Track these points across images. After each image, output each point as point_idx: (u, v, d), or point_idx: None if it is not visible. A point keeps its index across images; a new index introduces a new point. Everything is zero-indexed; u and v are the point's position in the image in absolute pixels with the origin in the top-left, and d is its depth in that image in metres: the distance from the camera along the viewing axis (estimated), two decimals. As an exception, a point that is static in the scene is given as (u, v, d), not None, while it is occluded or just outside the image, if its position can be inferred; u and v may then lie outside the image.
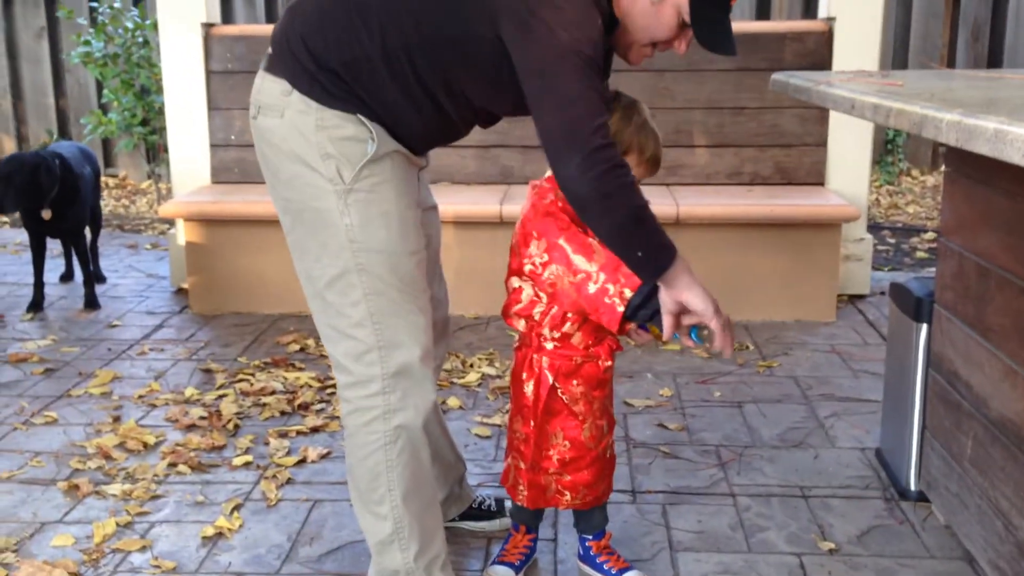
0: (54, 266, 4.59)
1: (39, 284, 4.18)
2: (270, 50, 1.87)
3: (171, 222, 4.89)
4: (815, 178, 4.30)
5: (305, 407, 3.12)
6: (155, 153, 6.18)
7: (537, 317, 1.97)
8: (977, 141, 1.34)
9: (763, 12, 6.93)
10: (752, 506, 2.48)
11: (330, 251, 1.82)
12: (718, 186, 4.30)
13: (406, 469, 1.89)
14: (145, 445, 2.85)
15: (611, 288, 1.82)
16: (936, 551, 2.26)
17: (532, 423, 2.02)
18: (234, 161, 4.41)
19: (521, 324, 2.01)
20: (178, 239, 4.34)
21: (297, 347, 3.67)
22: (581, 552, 2.20)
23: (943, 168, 2.50)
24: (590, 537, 2.18)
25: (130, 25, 5.72)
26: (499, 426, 2.98)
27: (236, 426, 2.98)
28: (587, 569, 2.18)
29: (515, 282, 2.00)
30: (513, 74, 1.74)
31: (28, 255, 4.23)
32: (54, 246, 4.58)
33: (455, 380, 3.33)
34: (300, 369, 3.45)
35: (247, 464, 2.74)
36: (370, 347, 1.84)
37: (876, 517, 2.42)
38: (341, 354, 1.87)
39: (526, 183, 4.31)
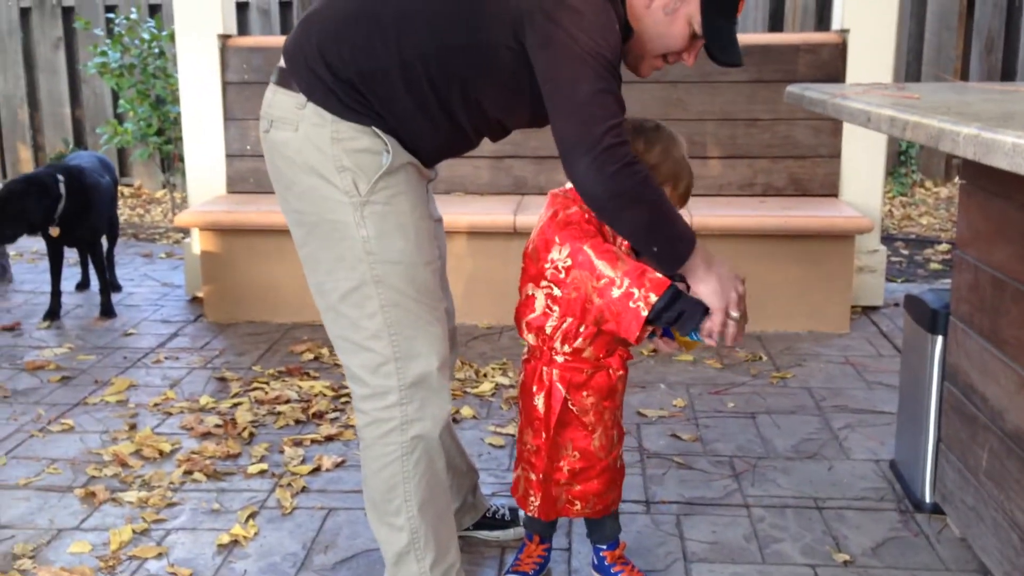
0: (70, 275, 4.62)
1: (56, 292, 4.21)
2: (282, 64, 1.87)
3: (186, 231, 4.92)
4: (828, 189, 4.30)
5: (319, 416, 3.13)
6: (170, 163, 6.22)
7: (549, 331, 1.96)
8: (995, 155, 1.35)
9: (776, 24, 6.95)
10: (766, 517, 2.47)
11: (346, 263, 1.82)
12: (731, 197, 4.31)
13: (422, 479, 1.90)
14: (161, 453, 2.87)
15: (636, 292, 1.81)
16: (951, 564, 2.25)
17: (544, 435, 2.02)
18: (249, 171, 4.43)
19: (531, 337, 2.00)
20: (193, 248, 4.37)
21: (311, 356, 3.69)
22: (596, 562, 2.20)
23: (957, 180, 2.50)
24: (604, 547, 2.18)
25: (146, 36, 5.76)
26: (513, 435, 2.98)
27: (251, 434, 2.99)
28: None
29: (530, 289, 1.99)
30: (531, 82, 1.75)
31: (45, 263, 4.26)
32: (71, 254, 4.62)
33: (468, 390, 3.34)
34: (314, 378, 3.46)
35: (262, 472, 2.75)
36: (387, 359, 1.84)
37: (891, 529, 2.41)
38: (357, 366, 1.87)
39: (540, 193, 4.37)
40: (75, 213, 4.04)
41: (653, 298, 1.80)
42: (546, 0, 1.70)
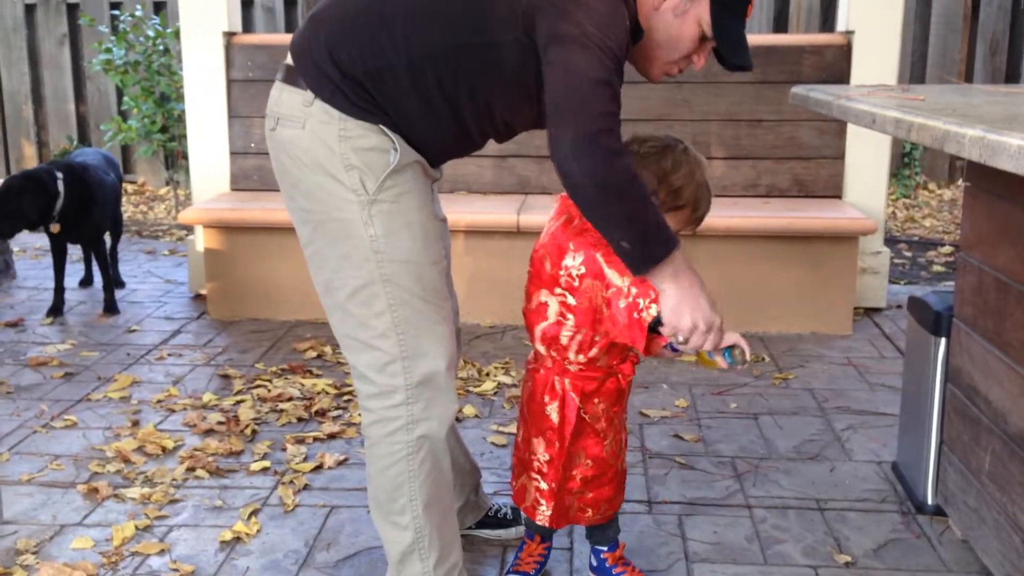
0: (74, 271, 4.62)
1: (59, 289, 4.21)
2: (289, 61, 1.86)
3: (190, 228, 4.93)
4: (832, 191, 4.30)
5: (322, 413, 3.14)
6: (174, 160, 6.23)
7: (564, 341, 1.92)
8: (1000, 157, 1.35)
9: (781, 25, 6.94)
10: (768, 518, 2.48)
11: (353, 262, 1.82)
12: (735, 198, 4.31)
13: (428, 478, 1.90)
14: (164, 449, 2.87)
15: (641, 303, 1.77)
16: (953, 565, 2.25)
17: (557, 445, 1.98)
18: (253, 169, 4.44)
19: (543, 348, 1.97)
20: (197, 245, 4.37)
21: (314, 354, 3.69)
22: (595, 564, 2.20)
23: (961, 182, 2.50)
24: (605, 549, 2.18)
25: (151, 33, 5.77)
26: (515, 435, 2.98)
27: (254, 432, 3.00)
28: None
29: (543, 296, 1.94)
30: (539, 77, 1.73)
31: (48, 260, 4.27)
32: (75, 251, 4.62)
33: (471, 389, 3.34)
34: (317, 376, 3.46)
35: (264, 469, 2.75)
36: (394, 358, 1.84)
37: (893, 531, 2.41)
38: (364, 365, 1.87)
39: (543, 193, 4.38)
40: (76, 210, 4.05)
41: (655, 309, 1.76)
42: None
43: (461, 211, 4.08)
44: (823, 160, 4.31)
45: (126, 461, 2.80)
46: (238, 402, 3.23)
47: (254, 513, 2.51)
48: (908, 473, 2.60)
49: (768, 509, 2.52)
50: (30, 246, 5.40)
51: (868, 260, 4.20)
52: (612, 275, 1.82)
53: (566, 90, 1.66)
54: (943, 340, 2.43)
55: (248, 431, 2.99)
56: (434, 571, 1.95)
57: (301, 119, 1.80)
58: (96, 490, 2.62)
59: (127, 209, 6.59)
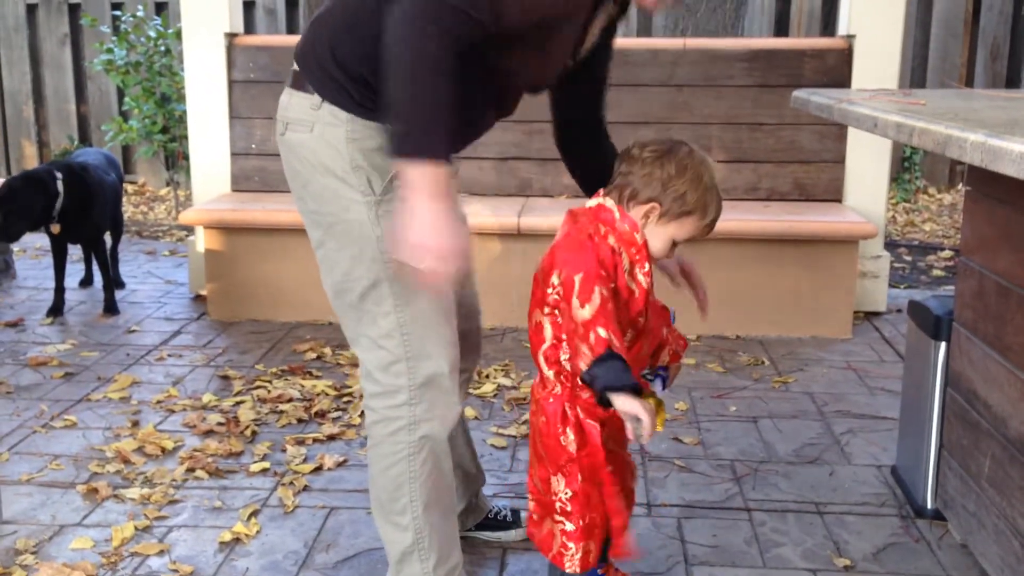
0: (74, 271, 4.62)
1: (59, 289, 4.22)
2: (295, 67, 1.86)
3: (190, 229, 4.93)
4: (833, 195, 4.30)
5: (322, 415, 3.14)
6: (174, 160, 6.23)
7: (568, 366, 1.82)
8: (1002, 162, 1.35)
9: (782, 29, 6.95)
10: (767, 521, 2.48)
11: (363, 262, 1.81)
12: (735, 201, 4.30)
13: (429, 479, 1.90)
14: (163, 450, 2.87)
15: (583, 347, 1.67)
16: (952, 570, 2.25)
17: (580, 477, 1.83)
18: (254, 170, 4.44)
19: (551, 373, 1.84)
20: (197, 246, 4.37)
21: (314, 355, 3.69)
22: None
23: (961, 186, 2.51)
24: (604, 562, 2.11)
25: (152, 34, 5.78)
26: (515, 437, 2.99)
27: (253, 433, 3.00)
28: None
29: (537, 315, 1.85)
30: (536, 37, 1.72)
31: (48, 259, 4.28)
32: (75, 251, 4.62)
33: (470, 391, 3.33)
34: (317, 377, 3.46)
35: (264, 471, 2.75)
36: (398, 358, 1.84)
37: (892, 534, 2.41)
38: (371, 363, 1.87)
39: (544, 195, 4.38)
40: (76, 210, 4.05)
41: (583, 365, 1.66)
42: None
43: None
44: (823, 164, 4.31)
45: (126, 461, 2.80)
46: (238, 403, 3.23)
47: (254, 514, 2.51)
48: (908, 477, 2.60)
49: (767, 512, 2.52)
50: (30, 246, 5.40)
51: (868, 264, 4.21)
52: (576, 304, 1.69)
53: None
54: (943, 344, 2.43)
55: (248, 432, 2.99)
56: (433, 572, 1.95)
57: (309, 123, 1.81)
58: (96, 490, 2.61)
59: (127, 210, 6.59)
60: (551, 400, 1.84)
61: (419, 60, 1.58)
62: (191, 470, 2.74)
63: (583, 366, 1.67)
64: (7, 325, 4.07)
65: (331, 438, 2.97)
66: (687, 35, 5.48)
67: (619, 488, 1.88)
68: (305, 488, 2.65)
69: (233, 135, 4.42)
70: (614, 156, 1.94)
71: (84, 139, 7.37)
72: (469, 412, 3.15)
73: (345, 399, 3.27)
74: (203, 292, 4.33)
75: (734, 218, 3.97)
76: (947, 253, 5.50)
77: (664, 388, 1.95)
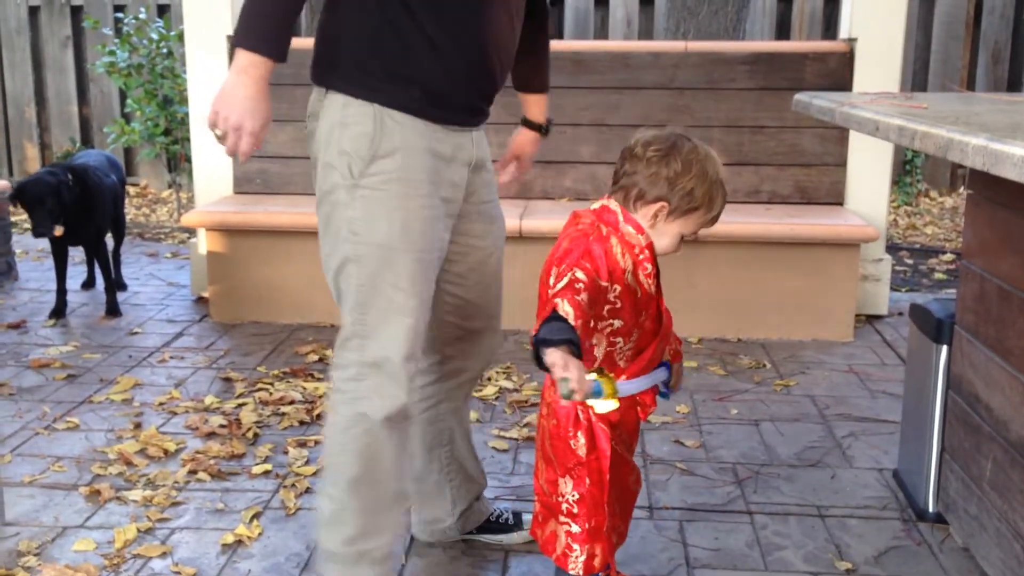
0: (76, 273, 4.63)
1: (61, 291, 4.22)
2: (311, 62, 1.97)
3: (192, 231, 4.93)
4: (834, 198, 4.31)
5: (323, 417, 3.14)
6: (176, 163, 6.24)
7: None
8: (1004, 166, 1.36)
9: (783, 32, 6.96)
10: (769, 524, 2.48)
11: (337, 242, 1.91)
12: (737, 204, 4.30)
13: (359, 457, 1.94)
14: (166, 452, 2.87)
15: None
16: (953, 573, 2.25)
17: (588, 481, 1.82)
18: (256, 172, 4.44)
19: None
20: (199, 248, 4.38)
21: (316, 357, 3.69)
22: None
23: (963, 190, 2.51)
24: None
25: (155, 36, 5.79)
26: (516, 439, 2.99)
27: (255, 435, 3.00)
28: None
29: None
30: None
31: (51, 262, 4.27)
32: (77, 253, 4.63)
33: (472, 393, 3.34)
34: (319, 379, 3.47)
35: (266, 473, 2.75)
36: (353, 334, 1.92)
37: (894, 538, 2.41)
38: (340, 336, 1.96)
39: (545, 198, 4.39)
40: (77, 212, 4.06)
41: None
42: None
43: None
44: (825, 167, 4.32)
45: (128, 463, 2.80)
46: (240, 405, 3.23)
47: (256, 516, 2.51)
48: (909, 480, 2.61)
49: (769, 515, 2.52)
50: (32, 248, 5.40)
51: (869, 267, 4.21)
52: (550, 284, 1.67)
53: None
54: (945, 348, 2.43)
55: (250, 434, 2.99)
56: (345, 546, 1.98)
57: (318, 112, 1.92)
58: (98, 492, 2.62)
59: (130, 212, 6.59)
60: (563, 402, 1.82)
61: None
62: (193, 472, 2.74)
63: (567, 314, 1.61)
64: (9, 327, 4.07)
65: (333, 440, 2.97)
66: (688, 38, 5.49)
67: (614, 497, 1.87)
68: (307, 490, 2.65)
69: (235, 137, 4.41)
70: (543, 58, 2.21)
71: (86, 141, 7.38)
72: (471, 415, 3.15)
73: (347, 401, 3.27)
74: (205, 294, 4.33)
75: (736, 221, 3.98)
76: (949, 256, 5.50)
77: (669, 387, 1.94)
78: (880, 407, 3.25)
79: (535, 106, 2.34)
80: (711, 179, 1.77)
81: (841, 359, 3.72)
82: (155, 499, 2.59)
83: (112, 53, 5.74)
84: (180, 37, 5.19)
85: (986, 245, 2.28)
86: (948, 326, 2.42)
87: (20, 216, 6.54)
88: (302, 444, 2.93)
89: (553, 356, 1.54)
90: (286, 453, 2.87)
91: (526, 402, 3.27)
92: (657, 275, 1.83)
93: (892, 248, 5.47)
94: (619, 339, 1.79)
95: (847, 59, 4.21)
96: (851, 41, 4.20)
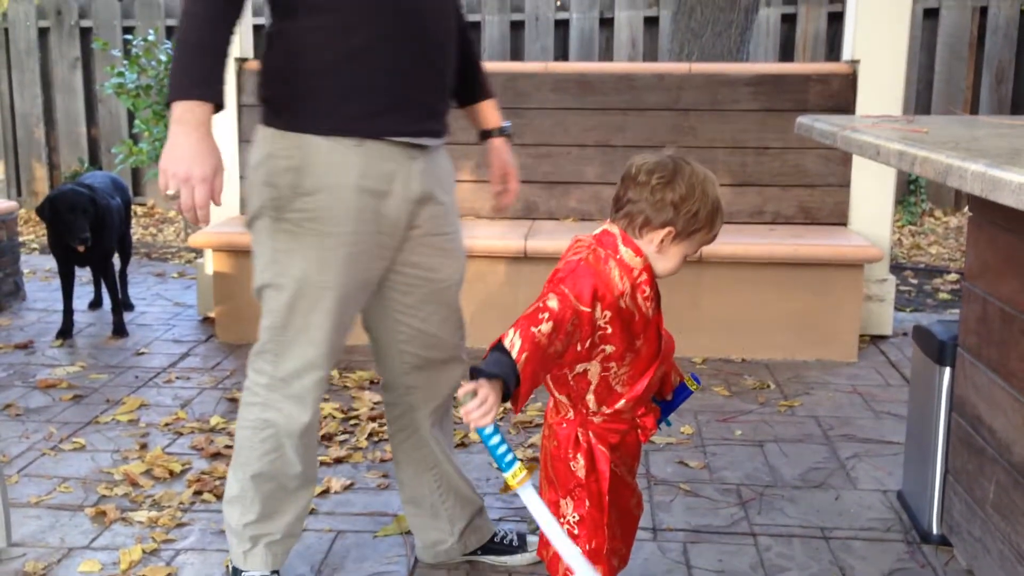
0: (83, 293, 4.65)
1: (68, 311, 4.24)
2: None
3: (199, 252, 4.96)
4: (838, 218, 4.32)
5: (328, 438, 3.15)
6: (183, 183, 6.26)
7: (578, 390, 1.81)
8: (1002, 192, 1.37)
9: (787, 54, 6.99)
10: (773, 546, 2.48)
11: (261, 265, 2.01)
12: (740, 225, 4.33)
13: (264, 457, 2.08)
14: (171, 473, 2.88)
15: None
16: (958, 596, 2.26)
17: (588, 503, 1.83)
18: (263, 193, 4.46)
19: (564, 398, 1.84)
20: (206, 268, 4.40)
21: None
22: None
23: (966, 210, 2.52)
24: None
25: (163, 58, 5.83)
26: (521, 460, 2.99)
27: (261, 455, 3.01)
28: None
29: None
30: None
31: (57, 282, 4.30)
32: (83, 274, 4.66)
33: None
34: (324, 400, 3.47)
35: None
36: (268, 350, 2.05)
37: (898, 560, 2.41)
38: (256, 345, 2.08)
39: (550, 219, 4.41)
40: (94, 230, 4.09)
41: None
42: None
43: (468, 236, 4.09)
44: (828, 188, 4.34)
45: (134, 484, 2.81)
46: (245, 426, 3.24)
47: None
48: (913, 502, 2.61)
49: (773, 537, 2.52)
50: (40, 268, 5.44)
51: (873, 288, 4.22)
52: (550, 299, 1.68)
53: None
54: (948, 369, 2.44)
55: (255, 455, 3.00)
56: (244, 527, 2.14)
57: (256, 141, 2.00)
58: (104, 513, 2.63)
59: (137, 232, 6.63)
60: (564, 425, 1.84)
61: (189, 11, 1.82)
62: (199, 493, 2.75)
63: (512, 346, 1.62)
64: (17, 347, 4.09)
65: (338, 461, 2.98)
66: (693, 59, 5.52)
67: (614, 519, 1.87)
68: (312, 511, 2.66)
69: (242, 158, 4.45)
70: (475, 65, 2.25)
71: (94, 161, 7.43)
72: (475, 435, 3.16)
73: (352, 422, 3.28)
74: (211, 314, 4.35)
75: (739, 242, 3.99)
76: (953, 276, 5.50)
77: (680, 397, 1.97)
78: (884, 428, 3.25)
79: (488, 113, 2.34)
80: (712, 200, 1.79)
81: (845, 379, 3.73)
82: (160, 520, 2.60)
83: (121, 74, 5.79)
84: (188, 59, 5.23)
85: (988, 267, 2.29)
86: (951, 348, 2.43)
87: (28, 236, 6.58)
88: (307, 465, 2.94)
89: (476, 384, 1.57)
90: (291, 474, 2.88)
91: (530, 423, 3.28)
92: (657, 298, 1.84)
93: (896, 268, 5.48)
94: (612, 364, 1.79)
95: (850, 81, 4.24)
96: (854, 63, 4.23)
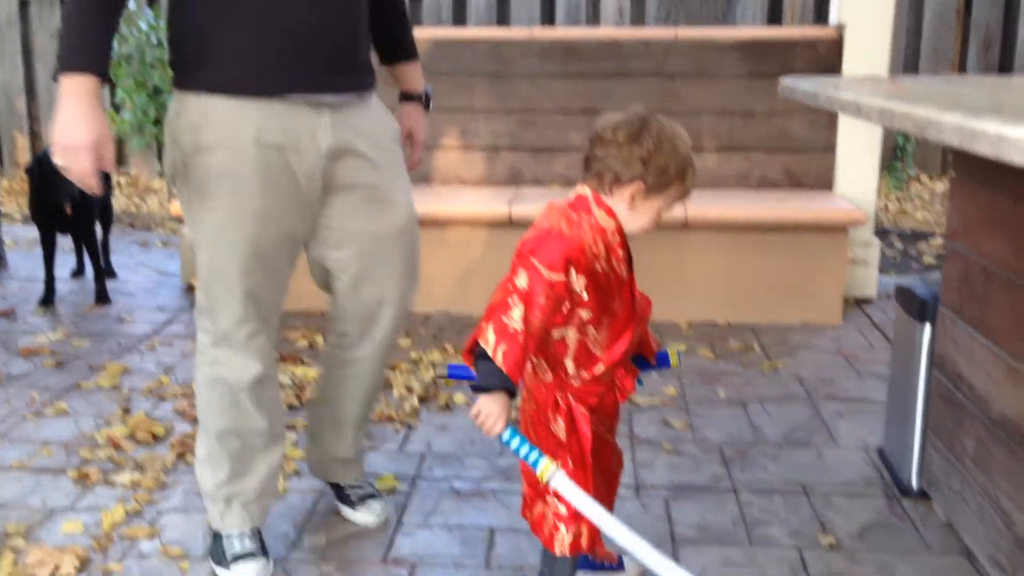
0: (65, 261, 4.63)
1: (50, 279, 4.22)
2: None
3: (182, 220, 4.93)
4: (823, 182, 4.32)
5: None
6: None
7: (556, 355, 1.82)
8: (979, 143, 1.36)
9: (775, 18, 6.95)
10: (754, 502, 2.49)
11: (187, 221, 2.06)
12: (727, 189, 4.33)
13: (224, 415, 2.11)
14: (154, 436, 2.88)
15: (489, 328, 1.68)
16: (936, 547, 2.27)
17: (571, 463, 1.82)
18: (246, 159, 4.43)
19: (541, 361, 1.83)
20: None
21: (305, 343, 3.70)
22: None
23: (952, 173, 2.52)
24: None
25: (144, 26, 5.77)
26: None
27: (244, 419, 3.00)
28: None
29: None
30: None
31: (39, 251, 4.27)
32: (65, 242, 4.63)
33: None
34: (308, 364, 3.47)
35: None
36: (203, 307, 2.08)
37: (877, 514, 2.43)
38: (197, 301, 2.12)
39: (535, 185, 4.39)
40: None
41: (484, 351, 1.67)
42: None
43: (453, 203, 4.10)
44: (814, 152, 4.33)
45: (116, 448, 2.81)
46: (229, 390, 3.23)
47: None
48: (894, 458, 2.62)
49: (754, 493, 2.54)
50: (22, 238, 5.40)
51: (858, 251, 4.22)
52: (519, 277, 1.70)
53: None
54: (928, 327, 2.45)
55: (239, 418, 3.00)
56: (216, 488, 2.16)
57: (170, 107, 2.04)
58: (86, 476, 2.63)
59: (120, 201, 6.59)
60: (542, 388, 1.85)
61: None
62: (181, 455, 2.75)
63: (487, 345, 1.65)
64: (-1, 315, 4.08)
65: (322, 424, 2.97)
66: (679, 25, 5.49)
67: (597, 478, 1.87)
68: (296, 472, 2.66)
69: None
70: (398, 25, 2.27)
71: (77, 132, 7.37)
72: (459, 398, 3.16)
73: (336, 386, 3.28)
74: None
75: (725, 206, 3.99)
76: (938, 241, 5.51)
77: (660, 366, 1.97)
78: (867, 388, 3.26)
79: (409, 75, 2.34)
80: (682, 153, 1.77)
81: (829, 341, 3.74)
82: (143, 482, 2.59)
83: (102, 42, 5.73)
84: (169, 26, 5.18)
85: (969, 225, 2.29)
86: (932, 306, 2.44)
87: (11, 206, 6.54)
88: (290, 427, 2.92)
89: (478, 407, 1.68)
90: (275, 437, 2.88)
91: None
92: (629, 259, 1.83)
93: (882, 233, 5.48)
94: (590, 328, 1.78)
95: (836, 45, 4.22)
96: (840, 27, 4.21)
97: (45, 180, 4.00)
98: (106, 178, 4.42)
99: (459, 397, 3.17)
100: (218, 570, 2.17)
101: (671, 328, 3.88)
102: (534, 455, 1.71)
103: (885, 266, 4.89)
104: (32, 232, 5.12)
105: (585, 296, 1.75)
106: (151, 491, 2.56)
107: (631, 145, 1.75)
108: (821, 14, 6.79)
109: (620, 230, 1.78)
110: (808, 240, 3.94)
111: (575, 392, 1.83)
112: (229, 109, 1.92)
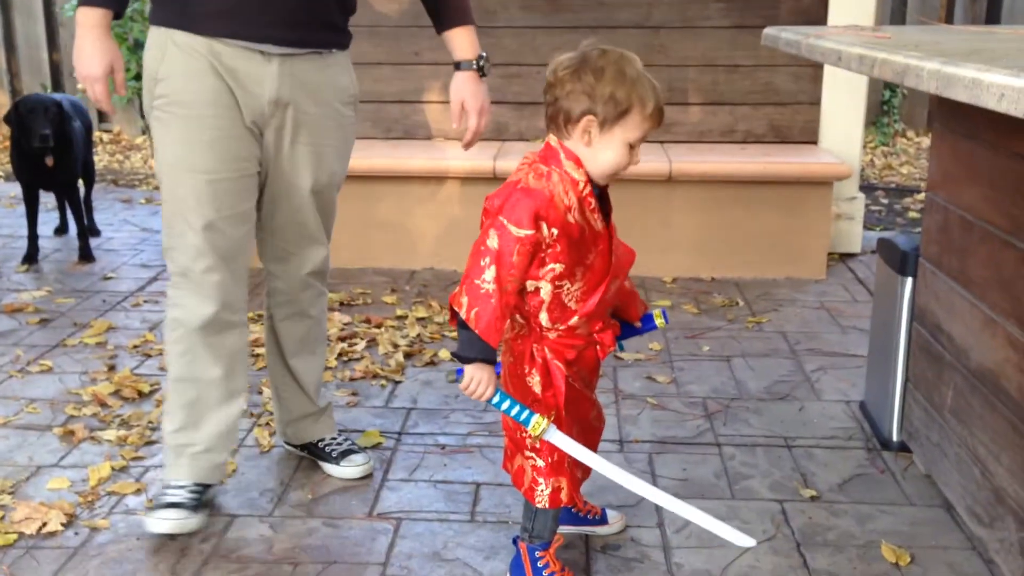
0: (48, 219, 4.60)
1: (33, 236, 4.19)
2: None
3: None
4: (808, 136, 4.31)
5: (298, 358, 3.15)
6: (149, 108, 6.16)
7: (531, 308, 1.81)
8: (955, 88, 1.36)
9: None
10: (737, 455, 2.52)
11: (154, 156, 2.11)
12: (711, 143, 4.32)
13: (179, 359, 2.15)
14: (140, 393, 2.88)
15: (463, 301, 1.72)
16: (915, 499, 2.30)
17: (549, 417, 1.82)
18: (228, 115, 4.39)
19: (518, 315, 1.83)
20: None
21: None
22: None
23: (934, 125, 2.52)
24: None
25: (124, -22, 5.68)
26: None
27: (230, 376, 3.01)
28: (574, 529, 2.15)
29: None
30: None
31: (22, 208, 4.24)
32: (48, 200, 4.59)
33: (447, 333, 3.36)
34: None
35: (241, 412, 2.76)
36: (165, 247, 2.13)
37: (858, 466, 2.46)
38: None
39: (520, 139, 4.37)
40: (60, 148, 4.03)
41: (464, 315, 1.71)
42: None
43: (438, 158, 4.08)
44: (799, 106, 4.32)
45: (102, 404, 2.81)
46: (214, 347, 3.23)
47: (230, 453, 2.53)
48: (875, 411, 2.65)
49: (737, 447, 2.56)
50: (4, 195, 5.35)
51: (843, 206, 4.23)
52: (490, 238, 1.71)
53: None
54: (909, 280, 2.46)
55: (224, 375, 3.00)
56: (169, 436, 2.19)
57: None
58: (72, 432, 2.63)
59: (103, 158, 6.53)
60: (519, 341, 1.85)
61: None
62: (167, 412, 2.76)
63: (461, 308, 1.71)
64: (-18, 273, 4.05)
65: (307, 380, 2.98)
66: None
67: (575, 433, 1.88)
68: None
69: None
70: None
71: (57, 87, 7.28)
72: (444, 354, 3.17)
73: (321, 342, 3.28)
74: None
75: (710, 160, 3.98)
76: (923, 196, 5.52)
77: (645, 329, 1.99)
78: (850, 342, 3.29)
79: (459, 42, 2.31)
80: (631, 78, 1.72)
81: (813, 296, 3.75)
82: (129, 438, 2.60)
83: (80, -4, 5.64)
84: (149, -21, 5.10)
85: (949, 177, 2.29)
86: (913, 258, 2.45)
87: (-8, 164, 6.47)
88: (276, 384, 2.94)
89: (465, 376, 1.75)
90: (260, 393, 2.89)
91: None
92: (605, 210, 1.81)
93: (867, 188, 5.49)
94: (564, 282, 1.78)
95: (822, -4, 4.19)
96: (826, -22, 4.18)
97: (20, 125, 3.96)
98: (87, 134, 4.39)
99: (444, 353, 3.18)
100: (144, 518, 2.17)
101: (655, 283, 3.89)
102: (524, 413, 1.75)
103: (870, 221, 4.90)
104: (15, 189, 5.08)
105: (558, 248, 1.74)
106: (137, 447, 2.56)
107: (573, 81, 1.72)
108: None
109: (589, 181, 1.76)
110: (793, 194, 3.94)
111: (551, 345, 1.83)
112: (185, 43, 2.01)
